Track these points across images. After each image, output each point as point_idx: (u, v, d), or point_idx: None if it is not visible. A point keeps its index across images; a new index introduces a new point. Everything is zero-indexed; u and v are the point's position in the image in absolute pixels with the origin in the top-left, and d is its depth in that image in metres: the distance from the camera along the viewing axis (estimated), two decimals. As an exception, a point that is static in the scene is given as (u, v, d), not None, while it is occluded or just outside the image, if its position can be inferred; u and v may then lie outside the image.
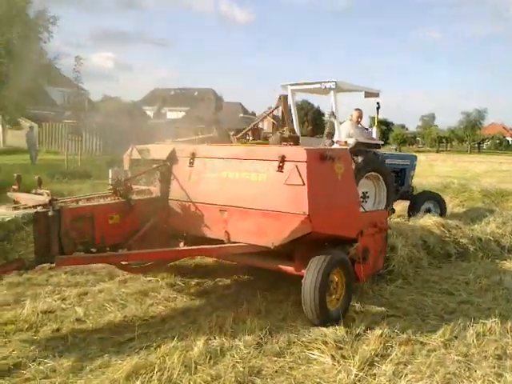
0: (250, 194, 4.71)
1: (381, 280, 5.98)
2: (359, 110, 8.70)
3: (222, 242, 4.98)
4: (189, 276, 5.89)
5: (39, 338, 4.07)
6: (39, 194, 4.59)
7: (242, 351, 3.94)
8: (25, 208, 4.28)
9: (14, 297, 4.98)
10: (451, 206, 11.49)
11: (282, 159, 4.49)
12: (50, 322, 4.41)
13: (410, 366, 3.86)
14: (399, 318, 4.82)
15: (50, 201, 4.24)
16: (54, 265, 4.46)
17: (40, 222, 4.10)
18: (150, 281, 5.67)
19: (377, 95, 8.68)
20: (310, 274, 4.47)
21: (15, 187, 4.75)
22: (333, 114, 8.20)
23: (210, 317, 4.50)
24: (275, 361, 3.85)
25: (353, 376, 3.62)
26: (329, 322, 4.52)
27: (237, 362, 3.77)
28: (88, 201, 4.92)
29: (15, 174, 4.88)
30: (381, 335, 4.31)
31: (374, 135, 8.92)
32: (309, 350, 4.05)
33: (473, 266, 6.87)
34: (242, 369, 3.67)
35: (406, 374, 3.73)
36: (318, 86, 8.09)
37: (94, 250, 4.70)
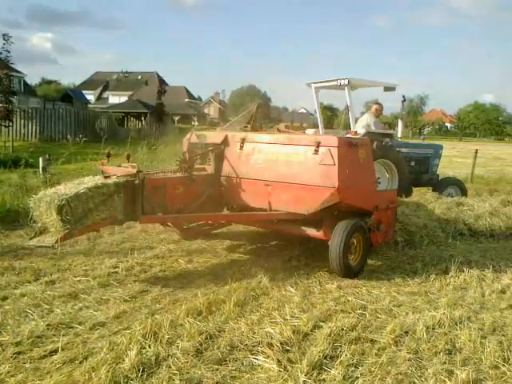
0: (290, 171, 5.82)
1: (327, 274, 5.78)
2: (379, 103, 9.54)
3: (263, 211, 6.02)
4: (124, 274, 5.43)
5: None
6: (125, 167, 5.56)
7: (179, 360, 3.56)
8: (116, 177, 5.20)
9: None
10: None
11: (318, 144, 5.59)
12: (-42, 335, 3.84)
13: (360, 368, 3.62)
14: (347, 313, 4.59)
15: (137, 171, 5.25)
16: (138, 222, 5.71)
17: (129, 188, 5.17)
18: (80, 281, 5.16)
19: (394, 89, 9.22)
20: (336, 236, 5.52)
21: (105, 161, 5.71)
22: (347, 108, 9.13)
23: (145, 321, 4.08)
24: (216, 369, 3.50)
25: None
26: (351, 275, 5.62)
27: (173, 373, 3.39)
28: (161, 174, 6.07)
29: (106, 151, 5.89)
30: (329, 334, 4.06)
31: (400, 127, 10.01)
32: (253, 354, 3.72)
33: (419, 253, 6.81)
34: (178, 381, 3.30)
35: (357, 378, 3.49)
36: (334, 83, 8.81)
37: (160, 214, 5.65)
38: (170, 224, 6.57)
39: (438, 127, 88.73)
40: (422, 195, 9.56)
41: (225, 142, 6.46)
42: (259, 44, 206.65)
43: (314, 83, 9.52)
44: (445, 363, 3.77)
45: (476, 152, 15.73)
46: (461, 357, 3.87)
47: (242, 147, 6.28)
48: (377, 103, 9.59)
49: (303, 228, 5.97)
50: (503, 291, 5.50)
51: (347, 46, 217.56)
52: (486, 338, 4.24)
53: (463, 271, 5.97)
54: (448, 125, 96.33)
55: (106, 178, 5.22)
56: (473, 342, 4.09)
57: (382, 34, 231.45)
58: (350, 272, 5.63)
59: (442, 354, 3.92)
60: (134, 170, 5.31)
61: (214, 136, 6.69)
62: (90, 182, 5.08)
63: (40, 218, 4.87)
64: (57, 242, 4.67)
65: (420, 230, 7.36)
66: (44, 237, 4.90)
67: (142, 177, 5.29)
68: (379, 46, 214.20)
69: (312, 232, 5.93)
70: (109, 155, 5.74)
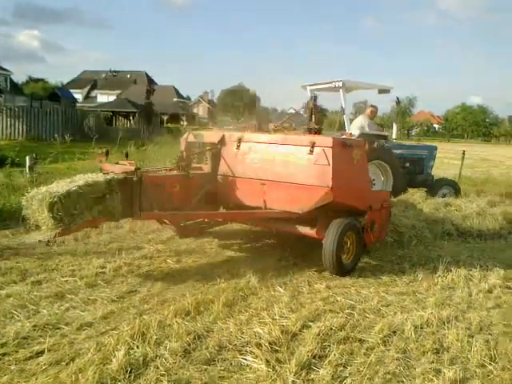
0: (285, 171, 5.88)
1: (316, 274, 5.80)
2: (374, 106, 9.74)
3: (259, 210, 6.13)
4: (111, 275, 5.37)
5: None
6: (123, 165, 5.58)
7: (167, 361, 3.53)
8: (114, 174, 5.25)
9: None
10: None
11: (313, 145, 5.63)
12: None
13: (349, 368, 3.62)
14: (336, 313, 4.59)
15: (135, 169, 5.31)
16: (135, 218, 5.57)
17: (127, 185, 5.21)
18: (67, 281, 5.10)
19: (388, 91, 9.47)
20: (330, 234, 5.60)
21: (103, 159, 5.77)
22: (342, 109, 9.44)
23: (133, 322, 4.04)
24: (204, 370, 3.48)
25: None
26: (343, 273, 5.72)
27: (161, 374, 3.36)
28: (159, 172, 6.21)
29: (104, 149, 5.92)
30: (318, 334, 4.06)
31: (394, 129, 10.42)
32: (241, 354, 3.71)
33: (408, 254, 6.84)
34: (166, 382, 3.27)
35: (346, 377, 3.49)
36: (329, 85, 9.06)
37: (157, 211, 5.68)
38: (166, 221, 6.57)
39: (426, 128, 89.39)
40: (410, 195, 9.60)
41: (222, 141, 6.52)
42: (249, 45, 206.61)
43: (310, 85, 9.67)
44: (432, 362, 3.79)
45: (463, 153, 15.85)
46: (448, 356, 3.89)
47: (238, 147, 6.35)
48: (372, 105, 9.75)
49: (297, 226, 6.03)
50: (490, 291, 5.55)
51: (335, 47, 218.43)
52: (473, 337, 4.27)
53: (451, 271, 6.00)
54: (436, 126, 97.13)
55: (104, 175, 5.27)
56: (460, 341, 4.12)
57: (370, 35, 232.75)
58: (342, 270, 5.71)
59: (429, 353, 3.94)
60: (133, 168, 5.37)
61: (211, 135, 6.77)
62: (84, 179, 5.06)
63: (32, 215, 4.88)
64: (55, 236, 4.75)
65: (408, 231, 7.40)
66: (41, 232, 4.92)
67: (140, 174, 5.34)
68: (367, 48, 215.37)
69: (306, 230, 5.98)
70: (107, 153, 5.79)
